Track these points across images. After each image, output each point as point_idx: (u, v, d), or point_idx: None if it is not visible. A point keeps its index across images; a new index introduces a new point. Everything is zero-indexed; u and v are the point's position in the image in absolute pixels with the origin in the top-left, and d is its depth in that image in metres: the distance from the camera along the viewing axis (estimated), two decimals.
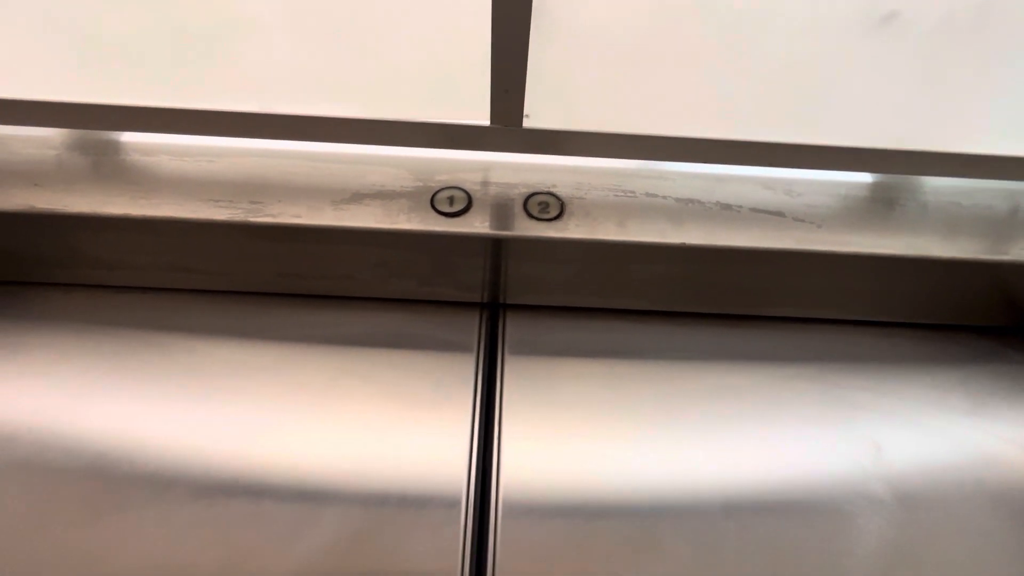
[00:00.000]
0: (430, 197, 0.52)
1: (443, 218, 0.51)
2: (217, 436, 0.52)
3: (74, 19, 0.44)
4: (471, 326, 0.60)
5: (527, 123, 0.48)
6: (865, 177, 0.58)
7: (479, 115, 0.48)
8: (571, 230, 0.51)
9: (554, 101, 0.47)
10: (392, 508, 0.49)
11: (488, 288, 0.59)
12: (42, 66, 0.47)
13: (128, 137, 0.55)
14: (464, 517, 0.48)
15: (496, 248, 0.52)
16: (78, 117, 0.48)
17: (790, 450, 0.54)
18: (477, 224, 0.50)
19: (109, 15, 0.43)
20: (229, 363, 0.56)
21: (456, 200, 0.52)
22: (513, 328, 0.61)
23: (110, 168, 0.53)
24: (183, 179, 0.51)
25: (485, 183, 0.54)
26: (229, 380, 0.55)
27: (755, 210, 0.54)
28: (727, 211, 0.53)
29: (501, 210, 0.51)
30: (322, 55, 0.45)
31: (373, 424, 0.54)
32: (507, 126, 0.48)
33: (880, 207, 0.57)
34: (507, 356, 0.59)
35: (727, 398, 0.58)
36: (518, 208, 0.52)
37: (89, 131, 0.53)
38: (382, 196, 0.52)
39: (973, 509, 0.52)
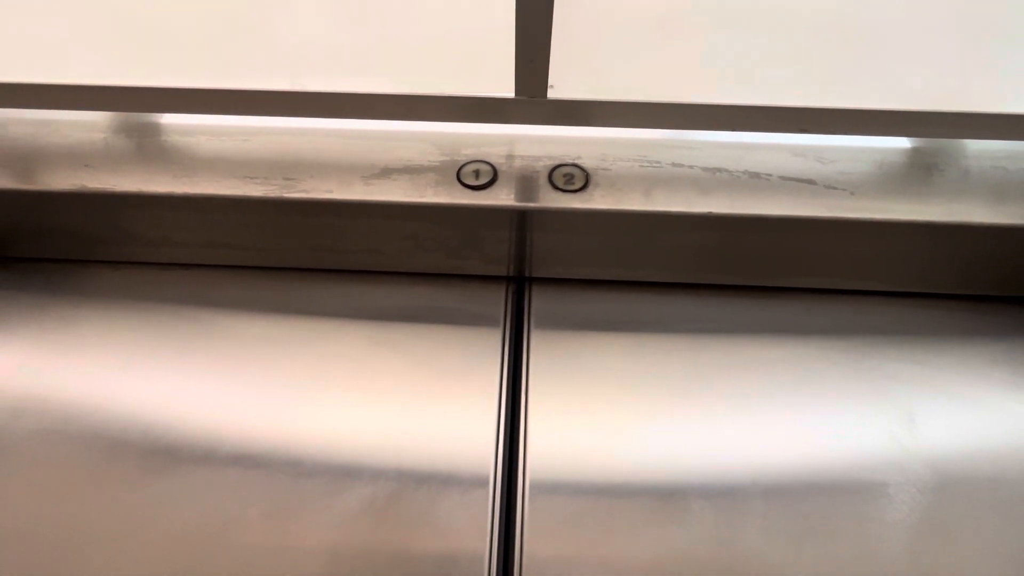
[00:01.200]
0: (456, 171, 0.53)
1: (469, 191, 0.51)
2: (256, 405, 0.54)
3: (115, 5, 0.46)
4: (498, 299, 0.61)
5: (552, 94, 0.48)
6: (903, 142, 0.56)
7: (504, 87, 0.48)
8: (596, 201, 0.51)
9: (579, 71, 0.47)
10: (421, 481, 0.50)
11: (514, 261, 0.60)
12: (85, 51, 0.49)
13: (168, 119, 0.57)
14: (492, 491, 0.50)
15: (521, 220, 0.53)
16: (121, 100, 0.51)
17: (821, 422, 0.54)
18: (503, 196, 0.51)
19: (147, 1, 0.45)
20: (265, 336, 0.59)
21: (482, 173, 0.52)
22: (539, 301, 0.61)
23: (153, 149, 0.55)
24: (220, 158, 0.54)
25: (510, 156, 0.54)
26: (265, 352, 0.58)
27: (785, 178, 0.53)
28: (756, 179, 0.53)
29: (526, 182, 0.52)
30: (350, 33, 0.46)
31: (403, 397, 0.55)
32: (532, 97, 0.48)
33: (919, 173, 0.55)
34: (533, 330, 0.60)
35: (756, 371, 0.57)
36: (543, 180, 0.52)
37: (132, 114, 0.56)
38: (410, 171, 0.53)
39: (1009, 483, 0.51)
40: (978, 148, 0.55)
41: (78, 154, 0.54)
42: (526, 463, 0.52)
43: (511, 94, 0.48)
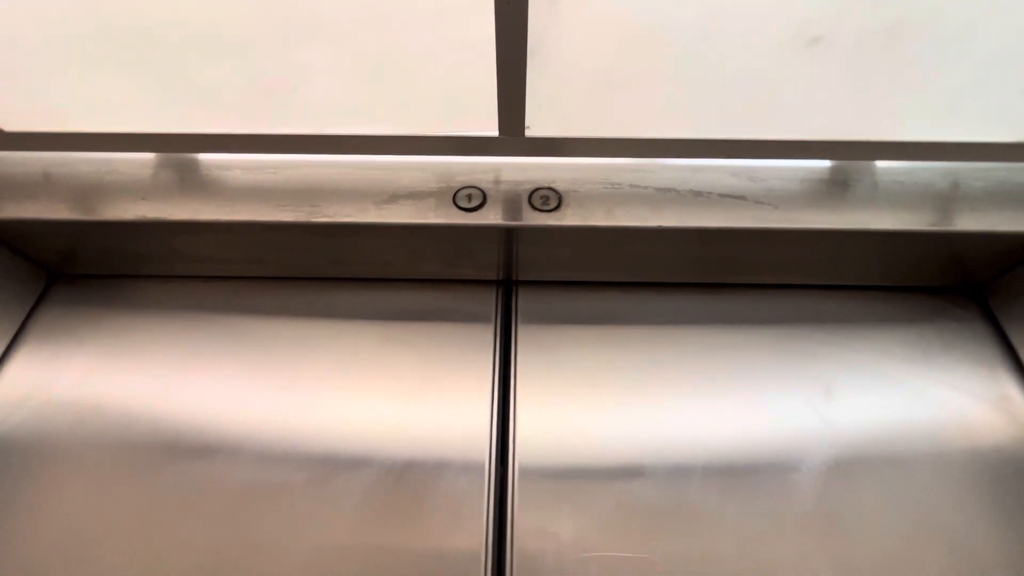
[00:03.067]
0: (452, 195, 0.64)
1: (463, 213, 0.62)
2: (289, 400, 0.65)
3: (164, 68, 0.57)
4: (489, 300, 0.73)
5: (528, 133, 0.59)
6: (824, 163, 0.68)
7: (489, 128, 0.59)
8: (568, 218, 0.62)
9: (549, 115, 0.58)
10: (428, 461, 0.61)
11: (502, 268, 0.71)
12: (144, 104, 0.59)
13: (205, 156, 0.68)
14: (487, 470, 0.61)
15: (508, 235, 0.64)
16: (176, 144, 0.61)
17: (755, 397, 0.66)
18: (491, 217, 0.62)
19: (192, 63, 0.55)
20: (295, 337, 0.70)
21: (473, 197, 0.63)
22: (525, 301, 0.73)
23: (195, 182, 0.66)
24: (255, 189, 0.64)
25: (497, 181, 0.65)
26: (295, 351, 0.69)
27: (723, 195, 0.64)
28: (699, 197, 0.64)
29: (510, 204, 0.63)
30: (362, 87, 0.56)
31: (410, 387, 0.66)
32: (512, 136, 0.59)
33: (837, 188, 0.66)
34: (520, 325, 0.71)
35: (706, 356, 0.69)
36: (524, 202, 0.63)
37: (177, 153, 0.66)
38: (413, 196, 0.64)
39: (909, 441, 0.63)
40: (883, 166, 0.67)
41: (134, 188, 0.65)
42: (515, 444, 0.63)
43: (495, 133, 0.59)
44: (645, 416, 0.65)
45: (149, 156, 0.67)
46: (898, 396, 0.66)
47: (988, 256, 0.68)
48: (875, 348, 0.69)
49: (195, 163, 0.67)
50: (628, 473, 0.61)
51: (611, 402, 0.66)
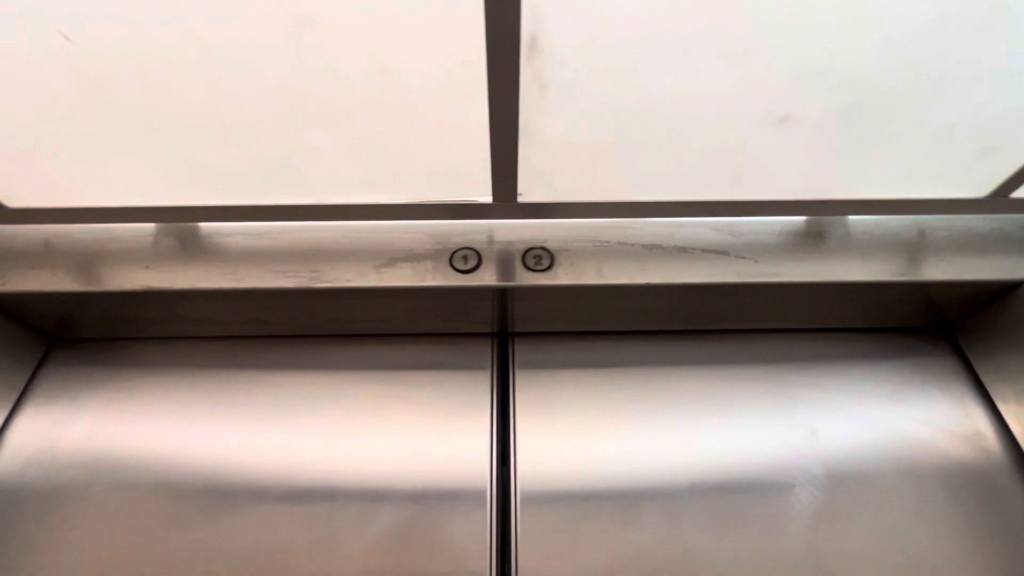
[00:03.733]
0: (448, 257, 0.66)
1: (459, 274, 0.65)
2: (293, 450, 0.67)
3: (166, 147, 0.59)
4: (485, 351, 0.75)
5: (521, 199, 0.62)
6: (799, 217, 0.72)
7: (484, 195, 0.62)
8: (560, 278, 0.65)
9: (540, 183, 0.61)
10: (432, 501, 0.63)
11: (498, 322, 0.74)
12: (147, 180, 0.61)
13: (206, 223, 0.69)
14: (489, 505, 0.63)
15: (502, 294, 0.66)
16: (178, 216, 0.63)
17: (743, 438, 0.69)
18: (486, 277, 0.65)
19: (194, 143, 0.58)
20: (297, 391, 0.71)
21: (469, 258, 0.66)
22: (520, 351, 0.75)
23: (196, 249, 0.67)
24: (257, 254, 0.66)
25: (491, 242, 0.68)
26: (298, 404, 0.70)
27: (705, 250, 0.68)
28: (683, 253, 0.67)
29: (504, 265, 0.66)
30: (362, 162, 0.59)
31: (413, 433, 0.69)
32: (505, 202, 0.62)
33: (812, 240, 0.70)
34: (517, 372, 0.74)
35: (695, 397, 0.72)
36: (517, 262, 0.66)
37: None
38: (412, 259, 0.66)
39: (887, 478, 0.66)
40: (854, 219, 0.71)
41: (137, 257, 0.66)
42: (516, 479, 0.65)
43: (490, 200, 0.62)
44: (639, 452, 0.67)
45: (150, 225, 0.69)
46: (877, 432, 0.70)
47: (956, 299, 0.72)
48: (854, 386, 0.73)
49: (196, 230, 0.69)
50: (624, 504, 0.63)
51: (606, 439, 0.68)
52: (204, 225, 0.69)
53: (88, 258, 0.66)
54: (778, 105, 0.53)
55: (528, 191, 0.62)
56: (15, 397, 0.70)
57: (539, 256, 0.67)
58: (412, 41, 0.46)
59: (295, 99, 0.51)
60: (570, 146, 0.57)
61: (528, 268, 0.66)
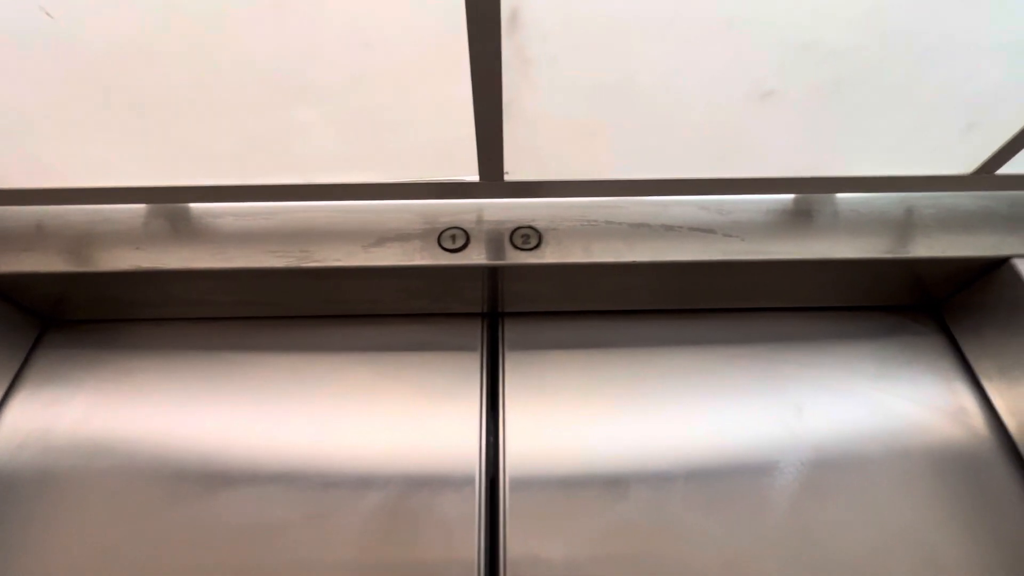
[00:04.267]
0: (437, 237, 0.67)
1: (447, 253, 0.65)
2: (286, 430, 0.68)
3: (156, 127, 0.59)
4: (475, 332, 0.76)
5: (508, 178, 0.62)
6: (787, 195, 0.72)
7: (471, 174, 0.62)
8: (547, 256, 0.65)
9: (527, 161, 0.61)
10: (421, 483, 0.64)
11: (487, 302, 0.74)
12: (137, 160, 0.61)
13: (196, 204, 0.70)
14: (478, 487, 0.64)
15: (491, 273, 0.67)
16: (169, 196, 0.64)
17: (732, 417, 0.70)
18: (474, 256, 0.65)
19: (183, 123, 0.58)
20: (289, 372, 0.72)
21: (457, 238, 0.66)
22: (510, 331, 0.76)
23: (187, 230, 0.68)
24: (247, 235, 0.67)
25: (479, 221, 0.68)
26: (290, 385, 0.71)
27: (692, 229, 0.68)
28: (670, 231, 0.68)
29: (492, 244, 0.66)
30: (349, 141, 0.59)
31: (403, 415, 0.69)
32: (493, 181, 0.63)
33: (800, 218, 0.70)
34: (507, 352, 0.74)
35: (683, 377, 0.73)
36: (505, 241, 0.67)
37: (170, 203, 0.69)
38: (400, 238, 0.67)
39: (873, 456, 0.67)
40: (842, 197, 0.71)
41: (128, 238, 0.67)
42: (505, 461, 0.66)
43: (476, 179, 0.63)
44: (628, 432, 0.68)
45: (140, 206, 0.69)
46: (863, 409, 0.71)
47: (942, 276, 0.72)
48: (840, 365, 0.74)
49: (186, 211, 0.69)
50: (613, 484, 0.64)
51: (596, 419, 0.69)
52: (194, 206, 0.69)
53: (80, 239, 0.67)
54: (763, 80, 0.53)
55: (515, 169, 0.62)
56: (10, 379, 0.71)
57: (527, 235, 0.67)
58: (393, 16, 0.46)
59: (280, 77, 0.51)
60: (555, 123, 0.57)
61: (516, 247, 0.66)
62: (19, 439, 0.67)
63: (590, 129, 0.58)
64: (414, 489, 0.64)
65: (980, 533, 0.63)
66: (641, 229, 0.68)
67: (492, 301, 0.74)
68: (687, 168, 0.63)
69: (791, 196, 0.71)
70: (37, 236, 0.67)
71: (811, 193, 0.69)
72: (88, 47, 0.48)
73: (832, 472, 0.66)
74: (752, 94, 0.53)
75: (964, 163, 0.64)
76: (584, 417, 0.70)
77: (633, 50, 0.49)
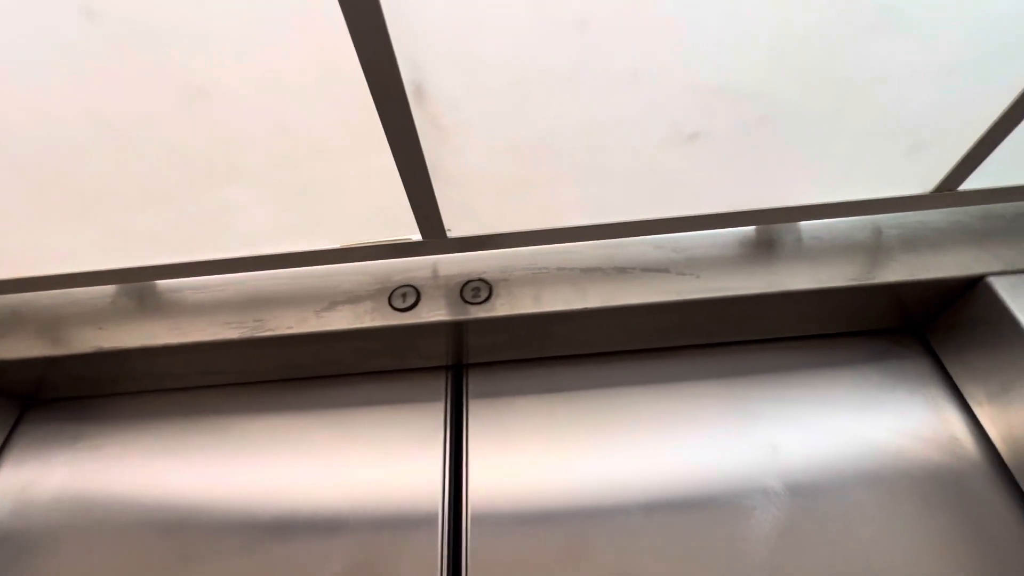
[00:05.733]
0: (388, 296, 0.67)
1: (398, 313, 0.65)
2: (256, 490, 0.68)
3: (104, 215, 0.61)
4: (439, 385, 0.75)
5: (451, 235, 0.63)
6: (747, 228, 0.70)
7: (414, 233, 0.63)
8: (497, 309, 0.65)
9: (466, 218, 0.61)
10: (386, 534, 0.63)
11: (450, 355, 0.73)
12: (93, 246, 0.64)
13: (157, 282, 0.72)
14: (440, 535, 0.63)
15: (453, 328, 0.66)
16: (127, 277, 0.66)
17: (700, 457, 0.67)
18: (424, 315, 0.65)
19: (140, 214, 0.59)
20: (255, 436, 0.72)
21: (407, 296, 0.67)
22: (475, 382, 0.75)
23: (151, 305, 0.70)
24: (203, 307, 0.68)
25: (430, 277, 0.68)
26: (256, 448, 0.71)
27: (646, 269, 0.67)
28: (623, 274, 0.67)
29: (443, 300, 0.66)
30: (288, 212, 0.60)
31: (367, 470, 0.68)
32: (437, 239, 0.63)
33: (762, 250, 0.68)
34: (470, 403, 0.73)
35: (647, 417, 0.70)
36: (455, 297, 0.66)
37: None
38: (351, 300, 0.67)
39: (858, 490, 0.63)
40: (805, 227, 0.69)
41: (92, 318, 0.69)
42: (468, 506, 0.64)
43: (420, 238, 0.63)
44: (592, 475, 0.66)
45: (105, 287, 0.71)
46: (841, 443, 0.67)
47: (919, 298, 0.69)
48: (818, 397, 0.70)
49: (144, 289, 0.71)
50: (577, 527, 0.62)
51: (559, 464, 0.67)
52: (155, 283, 0.71)
53: (49, 323, 0.69)
54: (683, 124, 0.52)
55: (456, 226, 0.62)
56: None
57: (477, 288, 0.67)
58: (303, 101, 0.47)
59: (205, 162, 0.52)
60: (485, 180, 0.57)
61: (466, 301, 0.66)
62: (4, 510, 0.69)
63: (522, 183, 0.58)
64: (379, 541, 0.63)
65: (977, 565, 0.58)
66: (593, 273, 0.67)
67: (457, 353, 0.73)
68: (630, 211, 0.62)
69: (752, 228, 0.70)
70: (13, 322, 0.70)
71: (767, 224, 0.67)
72: (14, 147, 0.50)
73: (810, 511, 0.62)
74: (676, 137, 0.53)
75: (921, 183, 0.62)
76: (549, 462, 0.68)
77: (544, 107, 0.49)
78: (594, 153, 0.54)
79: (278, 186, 0.56)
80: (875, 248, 0.68)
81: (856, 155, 0.57)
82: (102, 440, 0.74)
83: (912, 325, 0.75)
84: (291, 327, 0.65)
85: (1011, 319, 0.60)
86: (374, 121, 0.49)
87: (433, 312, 0.65)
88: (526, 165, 0.56)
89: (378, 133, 0.50)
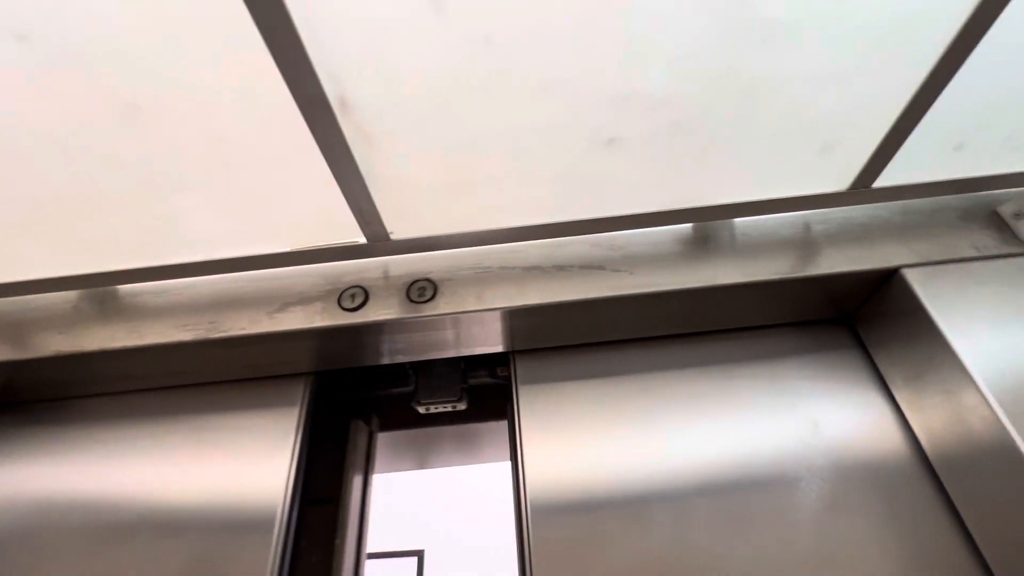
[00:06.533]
0: (337, 297, 0.70)
1: (347, 313, 0.68)
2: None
3: (69, 227, 0.64)
4: (296, 391, 0.77)
5: (393, 237, 0.66)
6: (679, 226, 0.73)
7: (359, 236, 0.66)
8: (441, 308, 0.68)
9: (407, 221, 0.64)
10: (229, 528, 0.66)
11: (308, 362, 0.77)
12: (53, 254, 0.66)
13: (117, 287, 0.74)
14: (276, 533, 0.66)
15: (391, 327, 0.69)
16: (87, 282, 0.68)
17: (746, 435, 0.70)
18: (371, 315, 0.68)
19: (90, 222, 0.62)
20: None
21: (356, 296, 0.69)
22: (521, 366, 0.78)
23: (112, 308, 0.72)
24: (161, 310, 0.71)
25: (379, 278, 0.71)
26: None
27: (583, 267, 0.70)
28: (561, 272, 0.70)
29: (390, 300, 0.69)
30: (234, 218, 0.63)
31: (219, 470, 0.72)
32: (382, 241, 0.66)
33: (698, 247, 0.72)
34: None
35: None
36: (403, 296, 0.69)
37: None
38: (303, 302, 0.70)
39: (888, 466, 0.67)
40: (739, 224, 0.72)
41: (52, 323, 0.71)
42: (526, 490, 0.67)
43: (364, 241, 0.66)
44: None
45: (68, 292, 0.74)
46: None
47: (845, 290, 0.72)
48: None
49: (111, 293, 0.74)
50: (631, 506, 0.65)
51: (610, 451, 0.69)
52: (116, 289, 0.73)
53: (14, 329, 0.72)
54: (600, 130, 0.55)
55: (398, 229, 0.65)
56: None
57: (423, 288, 0.70)
58: (235, 114, 0.50)
59: (147, 171, 0.55)
60: (420, 184, 0.60)
61: (412, 300, 0.69)
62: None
63: (458, 185, 0.61)
64: (224, 530, 0.66)
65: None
66: (533, 272, 0.70)
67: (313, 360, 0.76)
68: (565, 212, 0.66)
69: (688, 227, 0.73)
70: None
71: (691, 222, 0.70)
72: None
73: (847, 484, 0.65)
74: (595, 141, 0.56)
75: (837, 180, 0.65)
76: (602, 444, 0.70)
77: (464, 115, 0.52)
78: (521, 157, 0.58)
79: (221, 194, 0.59)
80: (804, 243, 0.71)
81: (771, 156, 0.60)
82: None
83: (843, 316, 0.78)
84: (244, 328, 0.68)
85: (922, 310, 0.64)
86: (305, 132, 0.52)
87: (379, 312, 0.68)
88: (458, 169, 0.59)
89: (310, 142, 0.53)
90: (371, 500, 0.83)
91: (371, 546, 0.83)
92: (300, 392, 0.77)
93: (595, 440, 0.71)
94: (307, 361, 0.77)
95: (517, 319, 0.71)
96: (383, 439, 0.91)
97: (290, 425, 0.74)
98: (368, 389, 0.86)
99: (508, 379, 0.78)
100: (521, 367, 0.78)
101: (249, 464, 0.72)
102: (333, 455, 0.80)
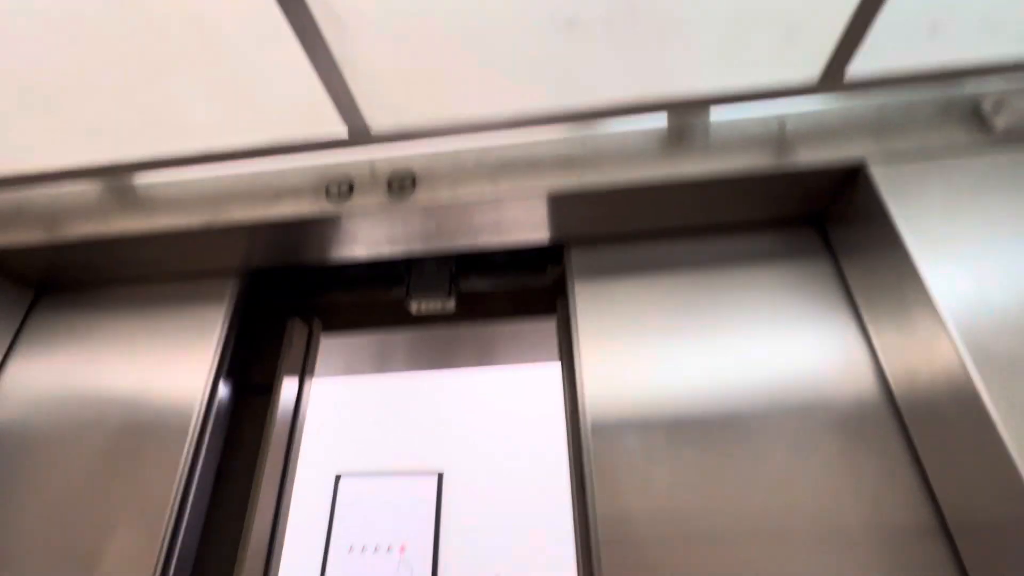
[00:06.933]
0: (325, 188, 0.75)
1: (333, 204, 0.74)
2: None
3: (74, 112, 0.70)
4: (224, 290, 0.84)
5: (374, 132, 0.70)
6: (653, 122, 0.75)
7: (341, 127, 0.70)
8: (420, 200, 0.73)
9: (385, 116, 0.68)
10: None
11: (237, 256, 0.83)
12: (70, 138, 0.73)
13: (138, 178, 0.82)
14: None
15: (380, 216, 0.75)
16: (99, 173, 0.76)
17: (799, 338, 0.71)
18: (355, 204, 0.74)
19: (90, 103, 0.69)
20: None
21: (342, 188, 0.75)
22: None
23: (130, 199, 0.80)
24: (175, 201, 0.78)
25: (364, 172, 0.77)
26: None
27: (554, 163, 0.73)
28: (532, 168, 0.73)
29: (372, 191, 0.74)
30: (220, 107, 0.68)
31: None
32: (365, 134, 0.70)
33: (672, 142, 0.73)
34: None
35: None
36: (383, 188, 0.74)
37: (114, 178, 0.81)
38: (295, 193, 0.76)
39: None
40: (712, 122, 0.73)
41: (84, 212, 0.80)
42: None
43: (346, 136, 0.70)
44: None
45: (92, 184, 0.82)
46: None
47: (816, 188, 0.73)
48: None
49: (129, 186, 0.82)
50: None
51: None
52: (135, 182, 0.81)
53: (49, 215, 0.81)
54: (558, 12, 0.57)
55: (376, 123, 0.69)
56: (7, 345, 0.86)
57: (403, 181, 0.75)
58: None
59: (136, 56, 0.60)
60: (397, 74, 0.64)
61: (392, 192, 0.74)
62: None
63: (433, 74, 0.64)
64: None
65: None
66: (507, 167, 0.74)
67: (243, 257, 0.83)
68: (537, 102, 0.68)
69: (662, 127, 0.74)
70: (18, 215, 0.81)
71: (652, 111, 0.71)
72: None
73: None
74: (554, 22, 0.58)
75: (807, 69, 0.65)
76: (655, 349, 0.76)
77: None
78: (485, 37, 0.60)
79: (206, 80, 0.64)
80: (779, 140, 0.72)
81: (734, 41, 0.61)
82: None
83: (814, 217, 0.79)
84: (243, 216, 0.75)
85: (883, 211, 0.64)
86: (277, 14, 0.56)
87: (362, 202, 0.74)
88: (430, 56, 0.62)
89: (284, 27, 0.57)
90: (307, 398, 0.91)
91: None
92: (229, 290, 0.85)
93: None
94: (237, 258, 0.84)
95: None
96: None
97: (217, 320, 0.83)
98: (311, 291, 0.94)
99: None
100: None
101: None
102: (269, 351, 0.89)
